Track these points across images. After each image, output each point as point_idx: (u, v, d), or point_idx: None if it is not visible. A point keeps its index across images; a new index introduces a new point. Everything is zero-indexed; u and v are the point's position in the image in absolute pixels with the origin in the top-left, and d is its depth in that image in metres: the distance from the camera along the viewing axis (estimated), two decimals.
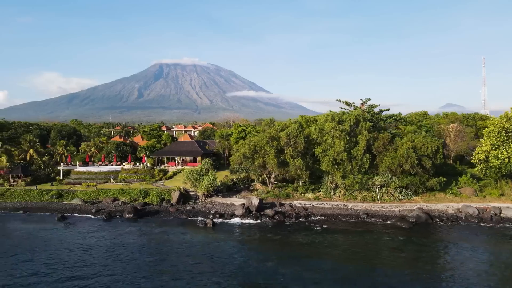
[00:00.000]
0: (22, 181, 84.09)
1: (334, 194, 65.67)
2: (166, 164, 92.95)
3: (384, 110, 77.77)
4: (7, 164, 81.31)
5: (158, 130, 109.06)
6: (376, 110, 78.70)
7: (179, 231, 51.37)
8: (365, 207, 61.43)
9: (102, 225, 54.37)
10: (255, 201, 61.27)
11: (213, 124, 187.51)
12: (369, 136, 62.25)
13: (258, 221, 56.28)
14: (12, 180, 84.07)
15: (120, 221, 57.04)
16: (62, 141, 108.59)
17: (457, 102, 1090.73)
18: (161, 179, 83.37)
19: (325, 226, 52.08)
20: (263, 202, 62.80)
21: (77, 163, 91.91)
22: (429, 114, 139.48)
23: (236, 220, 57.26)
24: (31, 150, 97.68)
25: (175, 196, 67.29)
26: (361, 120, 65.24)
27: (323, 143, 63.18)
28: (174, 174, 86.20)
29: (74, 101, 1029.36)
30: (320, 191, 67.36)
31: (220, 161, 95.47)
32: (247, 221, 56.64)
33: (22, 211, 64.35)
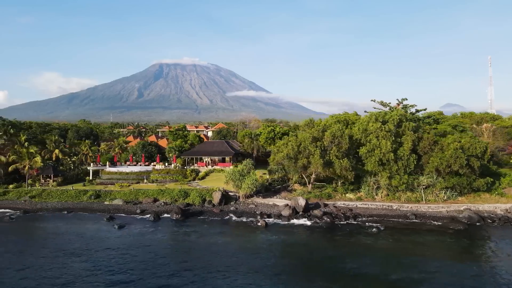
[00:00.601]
0: (53, 181, 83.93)
1: (376, 195, 65.69)
2: (196, 164, 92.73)
3: (421, 110, 77.89)
4: (41, 164, 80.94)
5: (184, 130, 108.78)
6: (408, 110, 78.87)
7: (235, 232, 51.41)
8: (411, 207, 61.45)
9: (155, 226, 54.25)
10: (302, 202, 61.25)
11: (227, 124, 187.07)
12: (414, 137, 62.33)
13: (309, 221, 56.25)
14: (43, 181, 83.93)
15: (170, 222, 56.86)
16: (87, 141, 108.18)
17: (457, 102, 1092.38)
18: (194, 179, 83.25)
19: (381, 228, 51.95)
20: (308, 202, 62.78)
21: (107, 163, 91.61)
22: (444, 114, 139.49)
23: (286, 220, 57.21)
24: (56, 150, 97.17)
25: (216, 196, 67.19)
26: (404, 120, 65.29)
27: (367, 143, 63.16)
28: (206, 174, 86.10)
29: (74, 101, 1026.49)
30: (360, 191, 67.43)
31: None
32: (297, 221, 56.63)
33: (66, 212, 64.15)
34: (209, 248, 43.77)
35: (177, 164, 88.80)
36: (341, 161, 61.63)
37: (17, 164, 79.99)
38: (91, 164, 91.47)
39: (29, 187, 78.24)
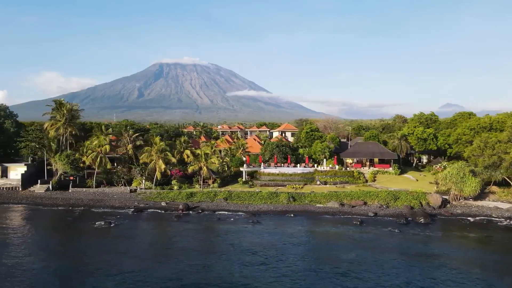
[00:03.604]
0: (213, 183, 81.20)
1: None
2: (352, 166, 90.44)
3: None
4: (218, 166, 78.06)
5: (318, 130, 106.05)
6: None
7: None
8: None
9: (427, 230, 52.33)
10: None
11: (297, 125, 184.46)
12: None
13: None
14: (202, 182, 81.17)
15: (423, 225, 55.14)
16: (212, 141, 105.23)
17: (456, 102, 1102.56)
18: (366, 181, 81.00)
19: None
20: None
21: (261, 165, 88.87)
22: None
23: None
24: (187, 151, 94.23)
25: (435, 199, 65.60)
26: None
27: None
28: (374, 175, 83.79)
29: (74, 101, 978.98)
30: None
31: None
32: None
33: (291, 215, 61.50)
34: None
35: (342, 166, 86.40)
36: None
37: (194, 166, 77.07)
38: (244, 165, 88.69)
39: (209, 188, 75.79)
